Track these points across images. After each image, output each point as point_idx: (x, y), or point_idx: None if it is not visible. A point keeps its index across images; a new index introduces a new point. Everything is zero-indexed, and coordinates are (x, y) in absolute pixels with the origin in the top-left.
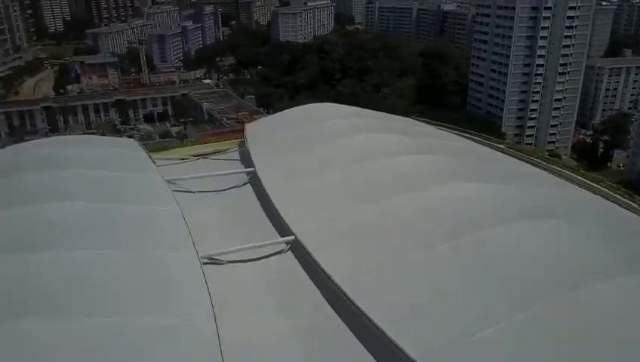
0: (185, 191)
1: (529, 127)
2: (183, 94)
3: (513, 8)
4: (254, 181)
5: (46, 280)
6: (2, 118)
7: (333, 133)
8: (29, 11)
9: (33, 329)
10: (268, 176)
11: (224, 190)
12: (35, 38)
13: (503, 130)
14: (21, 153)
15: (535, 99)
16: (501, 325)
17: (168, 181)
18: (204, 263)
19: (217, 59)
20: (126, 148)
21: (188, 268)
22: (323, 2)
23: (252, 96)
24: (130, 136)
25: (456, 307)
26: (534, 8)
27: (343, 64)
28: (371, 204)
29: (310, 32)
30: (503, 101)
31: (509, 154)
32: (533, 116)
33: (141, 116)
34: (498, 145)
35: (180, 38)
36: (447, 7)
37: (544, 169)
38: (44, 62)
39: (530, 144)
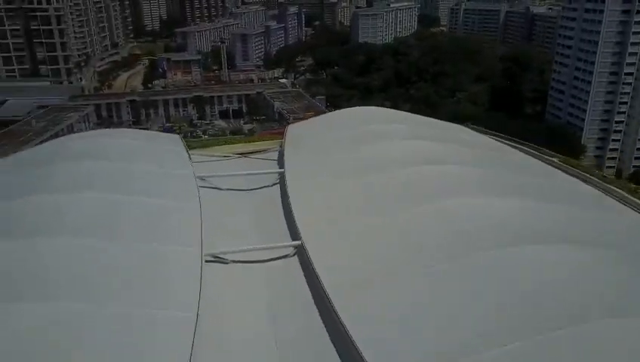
0: (213, 188)
1: (613, 140)
2: (258, 92)
3: (602, 12)
4: (282, 182)
5: (29, 265)
6: (92, 109)
7: (368, 138)
8: (127, 11)
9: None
10: (294, 178)
11: (252, 189)
12: (131, 36)
13: (582, 142)
14: (62, 145)
15: (622, 110)
16: (481, 355)
17: (199, 177)
18: (208, 261)
19: (297, 59)
20: (165, 144)
21: (186, 263)
22: (406, 4)
23: (322, 97)
24: (204, 132)
25: (442, 332)
26: (626, 12)
27: (418, 67)
28: (382, 214)
29: (391, 34)
30: (584, 111)
31: (563, 171)
32: (618, 129)
33: (217, 112)
34: (551, 159)
35: (262, 38)
36: (536, 10)
37: (603, 191)
38: (137, 58)
39: (614, 159)
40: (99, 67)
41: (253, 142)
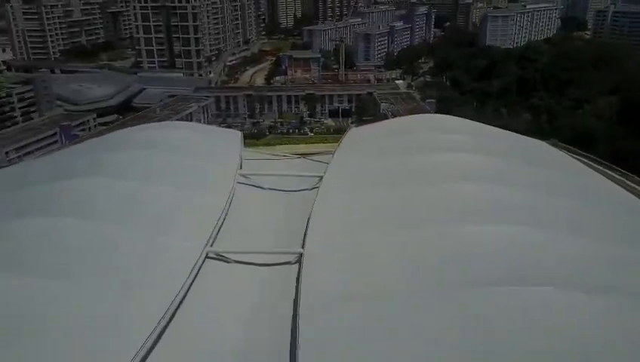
0: (253, 186)
1: None
2: (369, 93)
3: None
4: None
5: (29, 240)
6: (213, 101)
7: (421, 148)
8: (262, 9)
9: None
10: (328, 184)
11: (292, 191)
12: (263, 33)
13: None
14: (127, 134)
15: None
16: None
17: (243, 175)
18: (211, 258)
19: (420, 60)
20: (223, 139)
21: (182, 257)
22: (544, 5)
23: (433, 100)
24: (311, 129)
25: None
26: None
27: (544, 74)
28: (398, 232)
29: (524, 38)
30: None
31: None
32: None
33: (327, 111)
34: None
35: (386, 38)
36: None
37: None
38: (266, 54)
39: None
40: (230, 62)
41: (315, 143)
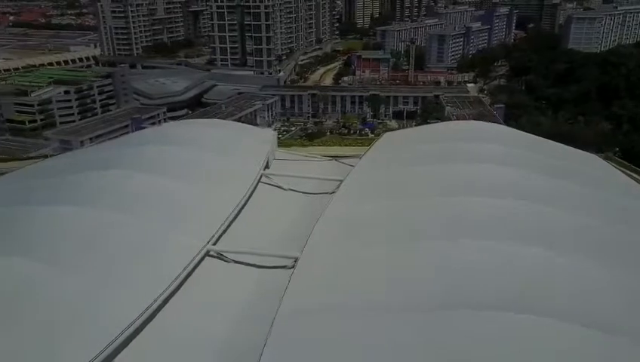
0: (274, 186)
1: None
2: (435, 95)
3: None
4: None
5: (35, 227)
6: (278, 99)
7: (450, 157)
8: (337, 9)
9: None
10: (345, 189)
11: (312, 193)
12: (336, 33)
13: None
14: (157, 130)
15: None
16: None
17: (266, 175)
18: (210, 256)
19: (496, 63)
20: (254, 138)
21: (177, 253)
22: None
23: (502, 106)
24: (372, 130)
25: None
26: None
27: (630, 80)
28: (401, 246)
29: (613, 41)
30: None
31: None
32: None
33: (391, 112)
34: None
35: (462, 39)
36: None
37: None
38: (338, 54)
39: None
40: (301, 61)
41: (351, 145)
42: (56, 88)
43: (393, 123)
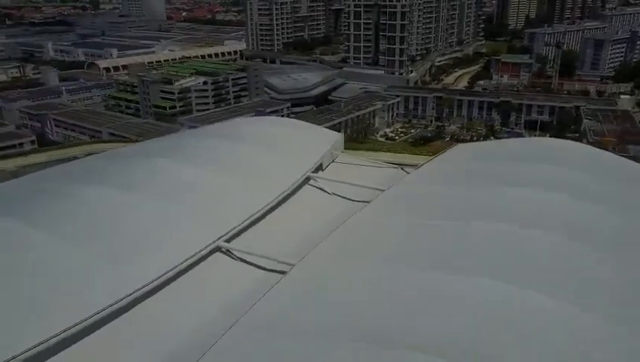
0: (318, 189)
1: None
2: (576, 106)
3: None
4: None
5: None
6: (402, 99)
7: (507, 181)
8: (485, 9)
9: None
10: (379, 202)
11: (352, 200)
12: (482, 34)
13: None
14: (229, 125)
15: None
16: None
17: (314, 177)
18: (221, 251)
19: None
20: (315, 140)
21: (185, 245)
22: None
23: None
24: (495, 135)
25: None
26: None
27: None
28: (407, 276)
29: None
30: None
31: None
32: None
33: (522, 122)
34: None
35: (624, 45)
36: None
37: None
38: (480, 57)
39: None
40: (438, 62)
41: (424, 155)
42: (197, 79)
43: (524, 131)
